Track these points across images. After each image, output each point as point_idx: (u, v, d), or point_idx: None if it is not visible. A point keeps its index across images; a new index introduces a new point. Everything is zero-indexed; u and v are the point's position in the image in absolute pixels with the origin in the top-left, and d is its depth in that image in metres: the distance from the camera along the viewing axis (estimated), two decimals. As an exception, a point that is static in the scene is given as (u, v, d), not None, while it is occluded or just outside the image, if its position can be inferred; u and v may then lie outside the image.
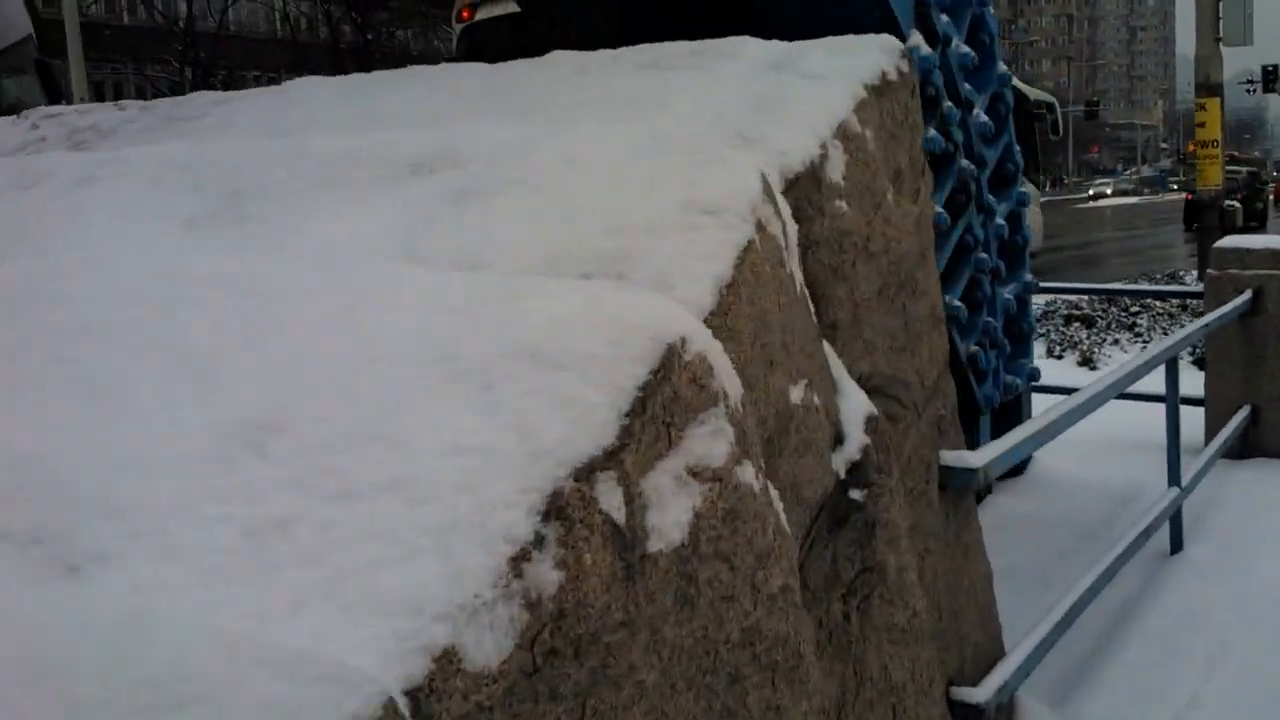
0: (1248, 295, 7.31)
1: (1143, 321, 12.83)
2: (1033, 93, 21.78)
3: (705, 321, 1.94)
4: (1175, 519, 5.61)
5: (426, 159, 2.62)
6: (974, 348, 6.23)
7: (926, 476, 3.23)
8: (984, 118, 6.30)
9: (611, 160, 2.35)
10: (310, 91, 3.75)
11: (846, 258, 2.72)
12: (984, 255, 6.24)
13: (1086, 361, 11.33)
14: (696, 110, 2.77)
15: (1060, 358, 11.72)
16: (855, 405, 2.57)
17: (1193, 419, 8.02)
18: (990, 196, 6.44)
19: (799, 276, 2.37)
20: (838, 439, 2.52)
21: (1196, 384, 8.21)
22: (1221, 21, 18.63)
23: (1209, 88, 18.82)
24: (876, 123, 2.93)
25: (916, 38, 5.57)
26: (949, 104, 5.83)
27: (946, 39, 5.87)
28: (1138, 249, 29.53)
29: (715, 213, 2.10)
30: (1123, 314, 13.06)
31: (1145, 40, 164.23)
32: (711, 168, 2.25)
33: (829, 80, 2.89)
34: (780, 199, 2.45)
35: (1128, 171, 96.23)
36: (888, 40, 3.24)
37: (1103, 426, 7.17)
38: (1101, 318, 13.06)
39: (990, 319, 6.38)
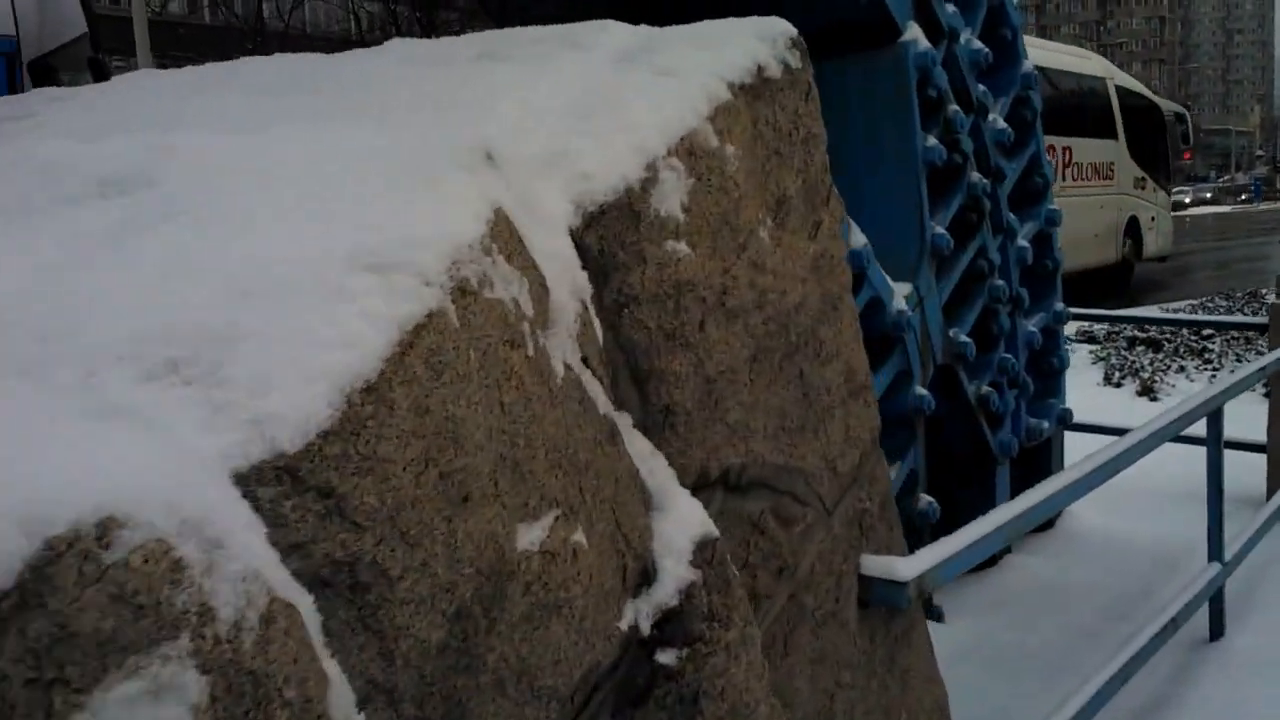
0: (1320, 328, 6.38)
1: (1215, 346, 11.80)
2: (1165, 104, 21.99)
3: (312, 448, 1.24)
4: (1216, 599, 4.76)
5: (125, 176, 1.97)
6: (986, 388, 5.42)
7: (838, 592, 2.48)
8: (1002, 124, 5.49)
9: (309, 183, 1.67)
10: (138, 86, 3.15)
11: (689, 317, 1.99)
12: (1000, 283, 5.43)
13: (1147, 391, 10.36)
14: (506, 116, 2.07)
15: (1119, 385, 10.77)
16: (680, 527, 1.84)
17: (1257, 465, 7.10)
18: (1011, 215, 5.63)
19: (568, 358, 1.66)
20: (645, 578, 1.79)
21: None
22: (1312, 20, 17.40)
23: (1298, 91, 17.62)
24: (746, 134, 2.20)
25: (914, 30, 4.80)
26: (955, 108, 5.04)
27: (953, 33, 5.08)
28: (1226, 260, 28.02)
29: (384, 271, 1.39)
30: (1193, 337, 12.00)
31: (1242, 44, 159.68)
32: (412, 200, 1.54)
33: (682, 78, 2.16)
34: (556, 244, 1.74)
35: (1221, 179, 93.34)
36: (771, 25, 2.48)
37: (1149, 472, 6.28)
38: (1169, 341, 12.03)
39: (1008, 355, 5.56)
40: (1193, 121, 24.27)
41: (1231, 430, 7.37)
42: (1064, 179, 17.16)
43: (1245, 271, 23.83)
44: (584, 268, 1.78)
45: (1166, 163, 22.09)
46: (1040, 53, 16.80)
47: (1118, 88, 19.66)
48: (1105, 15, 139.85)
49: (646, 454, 1.85)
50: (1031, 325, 5.90)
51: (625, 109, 2.05)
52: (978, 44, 5.23)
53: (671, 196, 1.94)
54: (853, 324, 2.53)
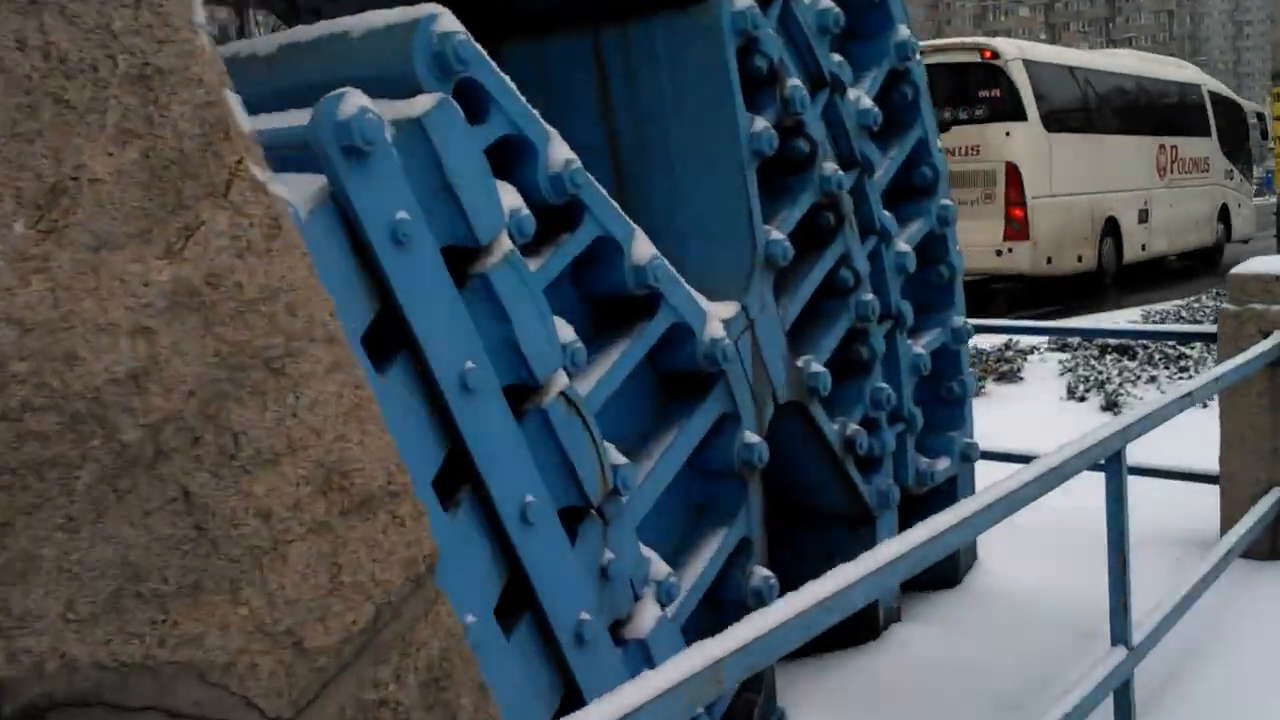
0: (1277, 339, 5.35)
1: (1193, 351, 10.75)
2: (1247, 105, 26.13)
3: None
4: (1122, 693, 3.76)
5: None
6: (854, 427, 4.43)
7: None
8: (867, 103, 4.50)
9: None
10: None
11: None
12: (869, 297, 4.44)
13: (1111, 406, 9.34)
14: None
15: (1083, 399, 9.75)
16: None
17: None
18: (886, 215, 4.64)
19: None
20: None
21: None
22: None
23: (1290, 76, 16.75)
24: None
25: (732, -16, 3.82)
26: (795, 83, 4.05)
27: (790, -12, 4.10)
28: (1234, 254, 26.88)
29: None
30: (1169, 343, 10.93)
31: (1252, 35, 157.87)
32: None
33: None
34: None
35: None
36: None
37: (1084, 507, 5.25)
38: (1143, 348, 10.99)
39: (884, 385, 4.57)
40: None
41: (1187, 454, 6.41)
42: (1173, 173, 20.98)
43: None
44: None
45: (1249, 156, 26.04)
46: (1149, 65, 21.81)
47: (1210, 92, 23.17)
48: (1114, 11, 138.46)
49: None
50: (919, 346, 4.90)
51: None
52: (826, 3, 4.25)
53: None
54: (346, 394, 1.55)
